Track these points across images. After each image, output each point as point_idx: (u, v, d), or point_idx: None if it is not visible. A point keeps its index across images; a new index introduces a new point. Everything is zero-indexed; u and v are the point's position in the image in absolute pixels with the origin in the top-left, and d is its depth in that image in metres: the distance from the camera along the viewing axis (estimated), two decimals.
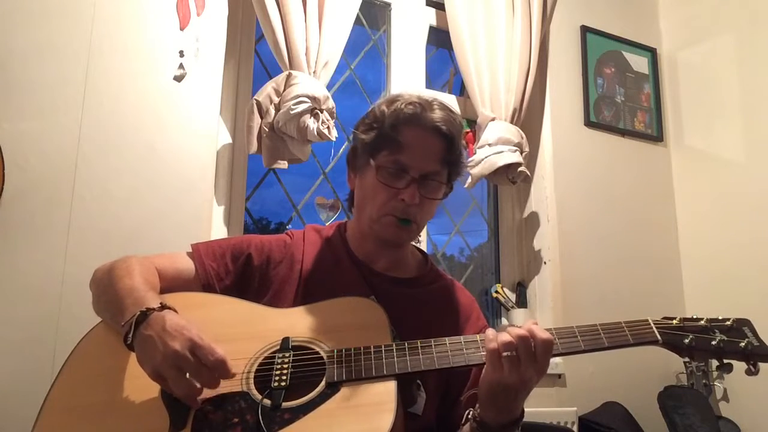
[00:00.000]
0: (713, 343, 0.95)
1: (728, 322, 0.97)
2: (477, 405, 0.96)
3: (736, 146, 2.36)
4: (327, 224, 1.28)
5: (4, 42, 1.50)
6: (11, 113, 1.49)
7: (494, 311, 2.27)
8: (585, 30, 2.47)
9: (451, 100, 2.26)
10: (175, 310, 0.93)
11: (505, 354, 0.89)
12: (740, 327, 0.97)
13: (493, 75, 2.11)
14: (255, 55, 1.97)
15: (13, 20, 1.52)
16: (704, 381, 2.13)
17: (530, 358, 0.89)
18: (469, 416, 0.98)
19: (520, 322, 2.12)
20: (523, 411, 0.96)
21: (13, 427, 1.35)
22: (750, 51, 2.35)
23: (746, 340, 0.94)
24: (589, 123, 2.40)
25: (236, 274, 1.13)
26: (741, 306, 2.21)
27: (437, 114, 1.09)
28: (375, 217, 1.11)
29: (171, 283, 1.08)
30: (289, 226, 2.03)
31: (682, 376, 2.23)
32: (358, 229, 1.18)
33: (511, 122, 2.09)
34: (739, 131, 2.35)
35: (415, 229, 1.14)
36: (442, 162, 1.11)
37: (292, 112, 1.66)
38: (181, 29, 1.73)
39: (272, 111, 1.70)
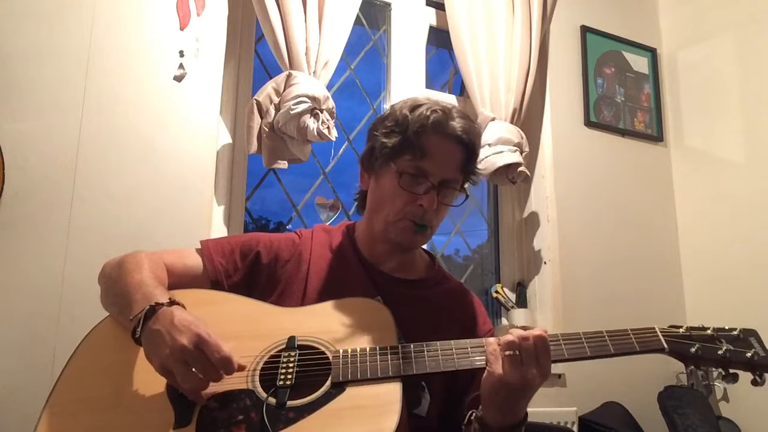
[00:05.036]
0: (719, 352, 0.95)
1: (735, 332, 0.97)
2: (480, 406, 0.96)
3: (736, 146, 2.36)
4: (336, 224, 1.28)
5: (4, 42, 1.50)
6: (11, 113, 1.49)
7: (494, 311, 2.27)
8: (585, 30, 2.47)
9: (451, 100, 2.26)
10: (184, 306, 0.93)
11: (507, 353, 0.90)
12: (747, 337, 0.97)
13: (493, 75, 2.11)
14: (255, 55, 1.97)
15: (14, 20, 1.52)
16: (704, 381, 2.13)
17: (531, 357, 0.90)
18: (472, 417, 0.99)
19: (520, 322, 2.14)
20: (526, 414, 0.96)
21: (13, 426, 1.35)
22: (750, 51, 2.35)
23: (753, 350, 0.94)
24: (589, 123, 2.40)
25: (245, 271, 1.13)
26: (740, 306, 2.22)
27: (459, 123, 1.10)
28: (392, 220, 1.11)
29: (179, 279, 1.08)
30: (289, 226, 2.03)
31: (682, 376, 2.23)
32: (369, 230, 1.18)
33: (511, 122, 2.09)
34: (739, 131, 2.35)
35: (430, 234, 1.15)
36: (461, 170, 1.13)
37: (292, 112, 1.66)
38: (181, 29, 1.72)
39: (272, 111, 1.70)
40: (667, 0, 2.70)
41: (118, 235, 1.55)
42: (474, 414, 0.98)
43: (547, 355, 0.91)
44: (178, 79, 1.70)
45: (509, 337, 0.91)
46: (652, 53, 2.63)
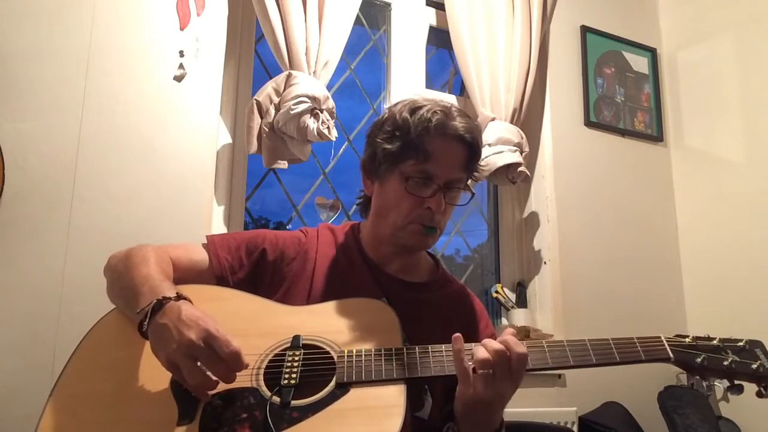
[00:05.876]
0: (725, 363, 0.95)
1: (741, 343, 0.97)
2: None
3: (736, 146, 2.36)
4: (341, 224, 1.28)
5: (4, 42, 1.50)
6: (11, 113, 1.48)
7: (494, 311, 2.27)
8: (585, 30, 2.47)
9: (451, 100, 2.26)
10: (191, 301, 0.93)
11: (480, 372, 0.89)
12: (753, 348, 0.96)
13: (493, 75, 2.11)
14: (255, 55, 1.97)
15: (14, 20, 1.52)
16: (704, 381, 2.12)
17: (505, 374, 0.89)
18: (449, 431, 0.99)
19: (520, 322, 2.14)
20: (502, 420, 0.96)
21: (13, 426, 1.35)
22: (750, 51, 2.35)
23: (759, 362, 0.94)
24: (589, 123, 2.40)
25: (250, 268, 1.12)
26: (740, 306, 2.22)
27: (460, 122, 1.10)
28: (401, 225, 1.11)
29: (184, 274, 1.08)
30: (289, 226, 2.03)
31: (683, 376, 2.23)
32: (375, 233, 1.17)
33: (511, 122, 2.09)
34: (739, 131, 2.35)
35: (438, 234, 1.15)
36: (465, 169, 1.13)
37: (292, 112, 1.66)
38: (181, 29, 1.72)
39: (272, 111, 1.70)
40: (667, 0, 2.70)
41: (118, 235, 1.54)
42: (450, 427, 0.99)
43: (523, 369, 0.90)
44: (178, 79, 1.70)
45: (484, 355, 0.89)
46: (652, 53, 2.63)
